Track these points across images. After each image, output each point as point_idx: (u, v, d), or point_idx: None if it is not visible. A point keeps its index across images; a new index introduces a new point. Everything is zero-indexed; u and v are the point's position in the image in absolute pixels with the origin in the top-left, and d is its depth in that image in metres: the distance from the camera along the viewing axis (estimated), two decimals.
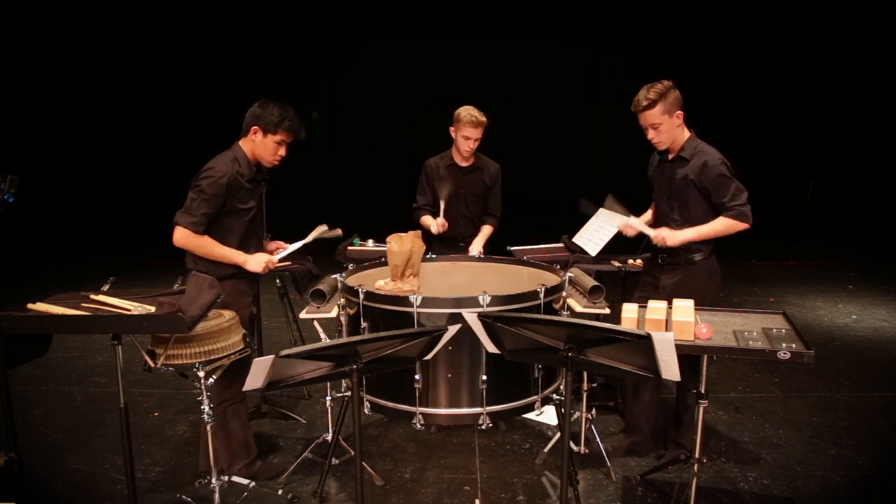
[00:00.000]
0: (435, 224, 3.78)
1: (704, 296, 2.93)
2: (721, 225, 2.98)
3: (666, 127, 3.00)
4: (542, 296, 2.56)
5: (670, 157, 3.12)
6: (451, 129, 3.78)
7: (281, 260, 3.09)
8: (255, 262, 2.92)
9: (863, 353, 4.95)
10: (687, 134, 3.08)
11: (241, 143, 2.96)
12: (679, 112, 3.00)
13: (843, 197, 9.98)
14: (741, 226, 2.98)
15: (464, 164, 3.87)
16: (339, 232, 3.18)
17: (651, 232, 3.08)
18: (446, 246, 3.88)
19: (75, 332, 2.68)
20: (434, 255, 3.44)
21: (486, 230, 3.95)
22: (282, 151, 2.97)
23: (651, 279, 3.20)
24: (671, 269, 3.12)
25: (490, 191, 3.95)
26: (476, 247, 3.85)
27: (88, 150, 10.18)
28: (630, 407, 3.43)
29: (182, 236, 2.79)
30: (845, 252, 8.80)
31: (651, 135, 3.04)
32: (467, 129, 3.68)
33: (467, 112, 3.68)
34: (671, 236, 3.02)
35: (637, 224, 3.16)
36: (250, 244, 3.00)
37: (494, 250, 3.84)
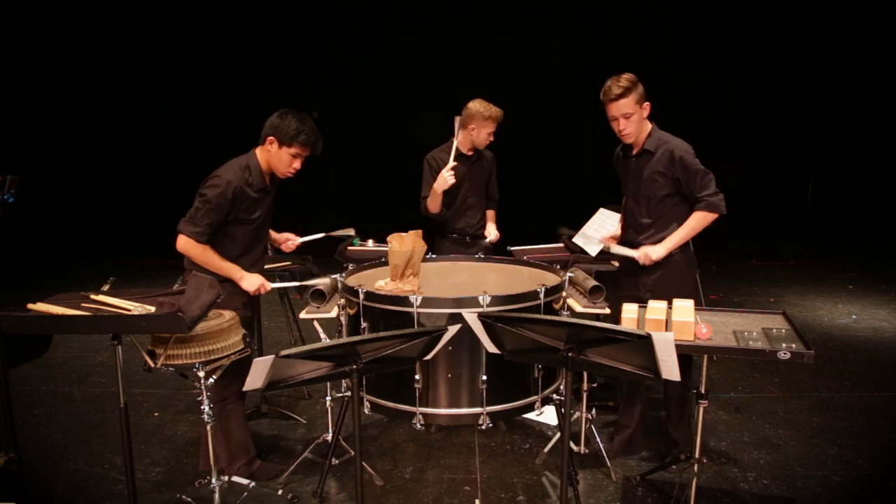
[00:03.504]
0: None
1: (686, 286, 2.94)
2: (695, 221, 3.00)
3: (637, 117, 3.00)
4: (542, 296, 2.57)
5: (635, 151, 3.12)
6: (471, 127, 3.75)
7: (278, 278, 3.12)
8: (250, 283, 2.92)
9: (863, 353, 4.95)
10: (649, 126, 3.08)
11: (257, 150, 2.95)
12: (647, 104, 3.01)
13: (843, 197, 9.98)
14: (712, 216, 3.00)
15: (469, 153, 3.91)
16: (351, 231, 3.16)
17: (635, 253, 3.07)
18: (452, 242, 3.90)
19: (75, 332, 2.67)
20: (434, 255, 3.45)
21: (491, 214, 4.07)
22: (296, 164, 2.96)
23: (631, 277, 3.18)
24: (651, 265, 3.11)
25: (490, 178, 4.06)
26: (492, 231, 3.93)
27: (88, 151, 10.17)
28: (621, 407, 3.42)
29: (184, 243, 2.81)
30: (845, 252, 8.80)
31: (622, 125, 3.02)
32: (491, 125, 3.74)
33: (489, 108, 3.70)
34: (654, 252, 3.03)
35: (618, 250, 3.17)
36: (253, 253, 3.00)
37: (495, 250, 3.85)
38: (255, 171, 2.91)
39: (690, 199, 3.03)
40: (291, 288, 3.21)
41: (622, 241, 3.26)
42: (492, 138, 3.82)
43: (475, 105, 3.72)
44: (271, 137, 2.89)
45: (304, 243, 3.26)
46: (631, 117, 2.99)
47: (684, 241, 3.04)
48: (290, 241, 3.22)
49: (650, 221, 3.09)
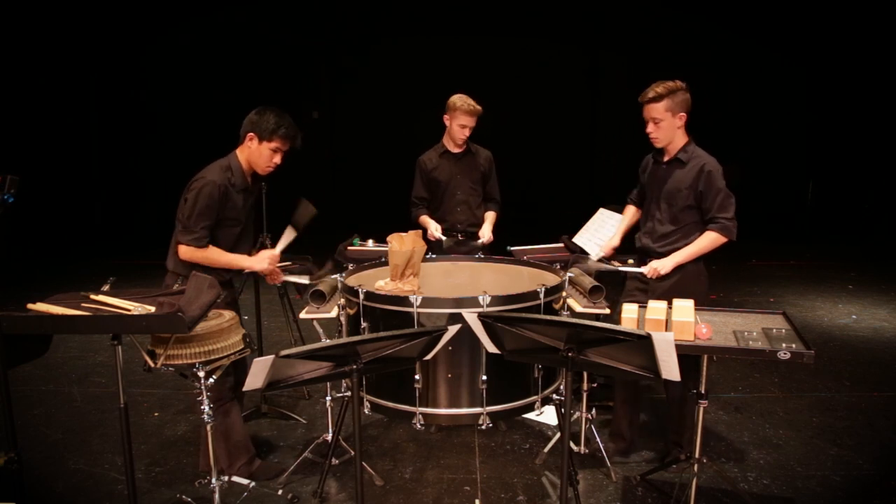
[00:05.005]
0: (433, 226, 3.87)
1: (696, 298, 2.94)
2: (706, 241, 3.02)
3: (666, 124, 3.01)
4: (542, 296, 2.56)
5: (666, 159, 3.12)
6: (445, 116, 3.87)
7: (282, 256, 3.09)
8: (259, 261, 2.95)
9: (863, 353, 4.95)
10: (685, 139, 3.09)
11: (237, 151, 2.97)
12: (682, 114, 3.01)
13: (843, 197, 9.98)
14: (723, 240, 3.02)
15: (456, 150, 3.97)
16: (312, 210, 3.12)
17: (644, 269, 3.09)
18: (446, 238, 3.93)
19: (75, 332, 2.68)
20: (434, 255, 3.45)
21: (490, 216, 4.05)
22: (277, 159, 2.98)
23: (639, 283, 3.19)
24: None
25: (487, 177, 4.06)
26: (486, 232, 3.94)
27: (88, 150, 10.17)
28: (616, 411, 3.42)
29: (186, 252, 2.82)
30: (845, 252, 8.79)
31: (650, 128, 3.05)
32: (464, 117, 3.78)
33: (464, 101, 3.77)
34: (662, 266, 3.04)
35: (626, 270, 3.19)
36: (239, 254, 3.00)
37: (495, 250, 3.85)
38: (237, 170, 2.93)
39: (705, 215, 3.03)
40: (297, 285, 3.19)
41: (637, 248, 3.27)
42: (466, 132, 3.84)
43: (453, 97, 3.82)
44: (251, 134, 2.90)
45: (287, 269, 3.23)
46: (660, 123, 3.01)
47: (691, 258, 3.04)
48: (275, 273, 3.17)
49: (673, 229, 3.09)
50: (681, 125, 3.04)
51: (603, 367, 2.09)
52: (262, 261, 2.95)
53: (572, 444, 3.32)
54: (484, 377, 2.53)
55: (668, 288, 3.04)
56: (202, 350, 2.39)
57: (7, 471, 2.13)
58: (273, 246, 3.75)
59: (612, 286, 3.23)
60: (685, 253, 3.04)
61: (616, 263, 3.26)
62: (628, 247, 3.37)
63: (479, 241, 3.90)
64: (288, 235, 3.09)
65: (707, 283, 3.17)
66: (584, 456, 3.34)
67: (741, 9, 9.40)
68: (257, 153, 2.93)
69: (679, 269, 3.07)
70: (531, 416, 3.57)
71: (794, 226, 10.12)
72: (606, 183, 9.78)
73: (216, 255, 2.85)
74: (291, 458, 3.35)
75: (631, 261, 3.46)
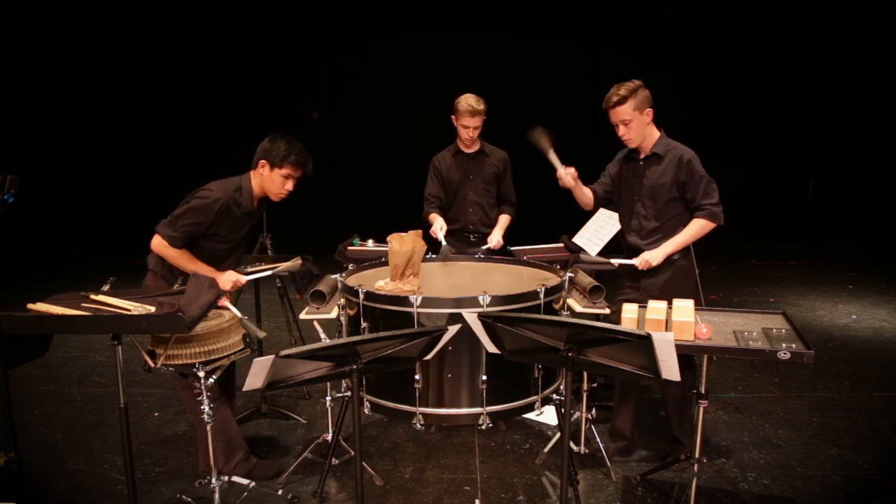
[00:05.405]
0: (438, 224, 3.81)
1: (687, 292, 2.95)
2: (695, 228, 3.04)
3: (636, 124, 3.02)
4: (542, 296, 2.57)
5: (642, 156, 3.13)
6: (453, 117, 3.85)
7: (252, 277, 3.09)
8: (224, 281, 2.92)
9: (863, 353, 4.95)
10: (657, 133, 3.10)
11: (252, 174, 3.01)
12: (648, 110, 3.03)
13: (843, 197, 9.97)
14: (711, 226, 3.04)
15: (468, 150, 3.93)
16: (298, 263, 3.16)
17: (635, 261, 3.10)
18: (456, 239, 3.89)
19: (75, 332, 2.68)
20: (434, 255, 3.45)
21: (503, 220, 3.99)
22: (289, 185, 3.02)
23: (629, 280, 3.20)
24: (653, 269, 3.12)
25: (501, 178, 4.01)
26: (495, 237, 3.88)
27: (88, 151, 10.17)
28: (616, 409, 3.42)
29: (158, 244, 2.85)
30: (845, 252, 8.80)
31: (622, 131, 3.07)
32: (465, 118, 3.77)
33: (465, 102, 3.76)
34: (654, 257, 3.05)
35: (618, 261, 3.18)
36: (221, 270, 2.99)
37: (495, 250, 3.85)
38: (247, 192, 2.97)
39: (691, 204, 3.05)
40: (263, 277, 3.18)
41: (624, 246, 3.27)
42: (470, 133, 3.81)
43: (460, 97, 3.79)
44: (263, 161, 2.96)
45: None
46: (629, 124, 3.02)
47: (682, 246, 3.06)
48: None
49: (657, 225, 3.10)
50: (649, 121, 3.06)
51: (603, 367, 2.09)
52: (226, 282, 2.92)
53: (572, 444, 3.32)
54: (484, 377, 2.53)
55: (659, 283, 3.06)
56: (202, 350, 2.39)
57: (7, 471, 2.13)
58: (271, 246, 3.76)
59: (612, 286, 3.24)
60: (675, 242, 3.05)
61: (614, 262, 3.26)
62: (615, 246, 3.37)
63: (487, 246, 3.84)
64: (263, 272, 3.11)
65: (696, 277, 3.18)
66: (584, 456, 3.34)
67: (741, 9, 9.39)
68: (269, 180, 2.98)
69: (669, 264, 3.08)
70: (531, 416, 3.57)
71: (794, 226, 10.11)
72: None
73: (185, 260, 2.87)
74: (291, 458, 3.35)
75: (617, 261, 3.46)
